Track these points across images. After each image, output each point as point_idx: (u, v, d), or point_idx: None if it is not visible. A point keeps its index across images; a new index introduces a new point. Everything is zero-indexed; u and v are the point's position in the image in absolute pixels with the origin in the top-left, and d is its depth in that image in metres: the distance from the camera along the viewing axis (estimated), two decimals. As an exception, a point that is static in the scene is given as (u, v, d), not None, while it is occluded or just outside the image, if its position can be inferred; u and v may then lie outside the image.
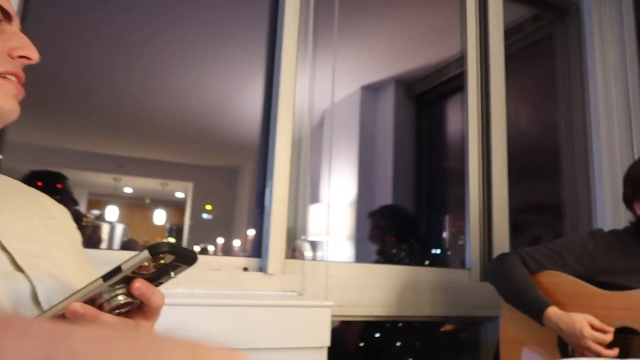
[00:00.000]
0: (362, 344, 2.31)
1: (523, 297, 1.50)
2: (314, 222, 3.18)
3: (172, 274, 0.55)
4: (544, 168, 2.74)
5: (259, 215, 1.74)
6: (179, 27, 3.13)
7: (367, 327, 2.31)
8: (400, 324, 2.30)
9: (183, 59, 3.56)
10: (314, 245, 3.13)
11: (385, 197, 3.30)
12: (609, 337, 1.33)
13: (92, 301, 0.52)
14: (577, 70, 2.49)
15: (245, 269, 1.64)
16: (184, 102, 4.21)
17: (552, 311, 1.41)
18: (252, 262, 1.67)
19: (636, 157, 2.18)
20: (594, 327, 1.35)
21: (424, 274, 1.93)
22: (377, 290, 1.79)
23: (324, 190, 3.21)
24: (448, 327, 2.35)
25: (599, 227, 2.25)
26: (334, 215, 3.43)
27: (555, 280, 1.54)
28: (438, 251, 3.18)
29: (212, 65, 3.59)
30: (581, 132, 2.45)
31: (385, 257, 2.47)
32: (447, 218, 3.17)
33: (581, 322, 1.35)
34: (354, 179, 3.45)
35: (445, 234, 3.14)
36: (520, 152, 2.53)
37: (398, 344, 2.32)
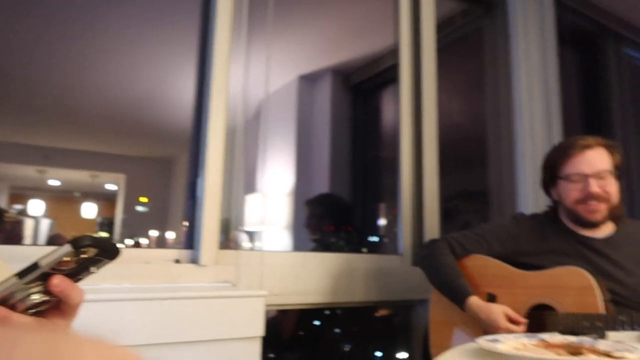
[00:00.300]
0: (301, 332, 2.33)
1: (448, 285, 1.57)
2: (250, 212, 3.16)
3: (93, 269, 0.53)
4: (473, 157, 2.86)
5: (191, 206, 1.70)
6: (107, 12, 2.99)
7: (305, 315, 2.33)
8: (338, 311, 2.34)
9: (112, 46, 3.40)
10: (251, 235, 3.11)
11: (322, 186, 3.33)
12: (521, 329, 1.41)
13: (4, 301, 0.49)
14: (503, 63, 2.61)
15: (177, 261, 1.60)
16: (114, 91, 4.04)
17: (473, 301, 1.49)
18: (184, 253, 1.63)
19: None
20: (509, 318, 1.43)
21: (358, 260, 1.97)
22: (313, 278, 1.81)
23: (261, 180, 3.19)
24: (383, 312, 2.41)
25: (521, 211, 2.39)
26: (271, 205, 3.42)
27: (480, 263, 1.62)
28: (375, 239, 3.24)
29: (143, 52, 3.45)
30: (506, 123, 2.57)
31: (324, 246, 2.50)
32: (382, 206, 3.24)
33: (497, 313, 1.43)
34: (291, 169, 3.45)
35: (381, 222, 3.22)
36: (451, 142, 2.63)
37: (337, 330, 2.36)
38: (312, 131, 3.53)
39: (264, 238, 3.26)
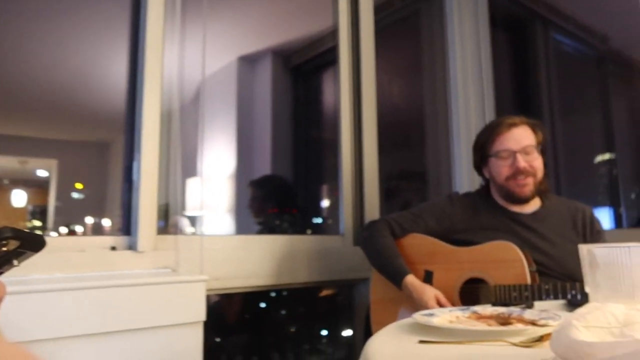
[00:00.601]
0: (247, 316, 2.33)
1: (386, 266, 1.62)
2: (191, 196, 3.10)
3: (15, 262, 0.50)
4: (412, 138, 2.93)
5: (127, 191, 1.65)
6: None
7: (251, 298, 2.33)
8: (284, 293, 2.35)
9: (38, 25, 3.19)
10: (192, 220, 3.05)
11: (264, 168, 3.31)
12: None
13: None
14: (439, 45, 2.67)
15: (114, 248, 1.55)
16: (42, 72, 3.80)
17: (409, 280, 1.55)
18: (121, 240, 1.58)
19: (487, 126, 2.41)
20: (439, 302, 1.49)
21: (301, 242, 1.99)
22: (255, 261, 1.81)
23: (201, 164, 3.12)
24: (327, 292, 2.45)
25: (457, 190, 2.48)
26: (212, 188, 3.36)
27: (418, 241, 1.68)
28: (319, 220, 3.27)
29: (73, 31, 3.26)
30: (442, 104, 2.65)
31: (268, 229, 2.49)
32: (325, 187, 3.27)
33: (429, 296, 1.49)
34: (232, 151, 3.40)
35: (324, 203, 3.24)
36: (391, 123, 2.67)
37: (283, 312, 2.38)
38: (253, 113, 3.49)
39: (206, 222, 3.21)
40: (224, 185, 3.39)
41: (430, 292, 1.50)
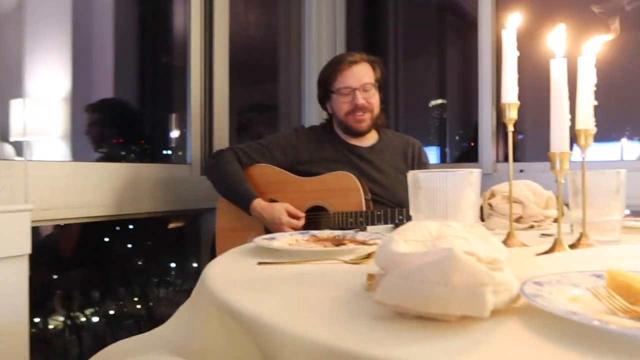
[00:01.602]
0: (87, 249, 2.17)
1: (234, 192, 1.63)
2: (17, 119, 2.72)
3: None
4: (265, 70, 2.89)
5: None
6: None
7: (92, 230, 2.17)
8: (131, 226, 2.23)
9: None
10: (18, 147, 2.70)
11: (105, 91, 3.02)
12: (301, 222, 1.56)
13: None
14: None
15: None
16: None
17: (257, 203, 1.58)
18: None
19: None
20: (290, 214, 1.56)
21: (145, 170, 1.88)
22: (94, 190, 1.68)
23: (29, 83, 2.73)
24: (175, 224, 2.39)
25: (307, 124, 2.54)
26: (43, 111, 2.98)
27: (264, 171, 1.70)
28: (169, 152, 3.11)
29: None
30: (296, 39, 2.64)
31: (111, 160, 2.31)
32: (174, 117, 3.10)
33: (280, 210, 1.55)
34: (67, 71, 3.02)
35: (174, 134, 3.09)
36: (245, 54, 2.60)
37: (129, 245, 2.27)
38: (92, 29, 3.11)
39: (36, 150, 2.86)
40: (58, 108, 3.03)
41: (280, 207, 1.55)
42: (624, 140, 2.18)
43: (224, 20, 2.15)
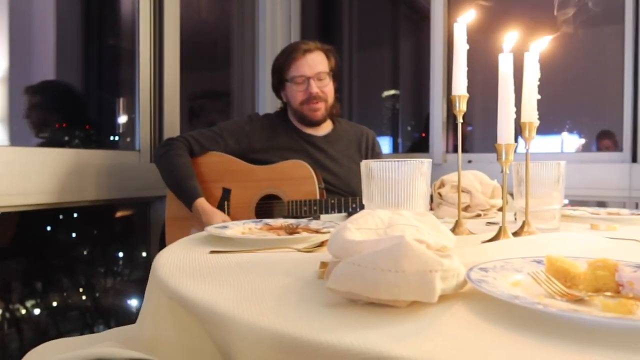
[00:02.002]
0: (29, 238, 2.07)
1: (180, 186, 1.59)
2: (-53, 100, 2.55)
3: None
4: (218, 56, 2.83)
5: None
6: None
7: (33, 219, 2.07)
8: (75, 214, 2.14)
9: None
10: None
11: (46, 73, 2.87)
12: None
13: None
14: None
15: None
16: None
17: (200, 203, 1.54)
18: None
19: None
20: None
21: (91, 157, 1.81)
22: (34, 176, 1.60)
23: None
24: (123, 213, 2.32)
25: (261, 112, 2.52)
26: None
27: (217, 159, 1.68)
28: (116, 138, 3.00)
29: None
30: (250, 25, 2.60)
31: (56, 144, 2.20)
32: (122, 101, 3.00)
33: (217, 220, 1.48)
34: (4, 50, 2.86)
35: (121, 119, 2.98)
36: (197, 38, 2.54)
37: (74, 235, 2.18)
38: (31, 7, 2.94)
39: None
40: (-6, 90, 2.86)
41: (219, 218, 1.51)
42: (564, 133, 2.29)
43: (174, 3, 2.09)
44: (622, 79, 1.96)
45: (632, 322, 0.42)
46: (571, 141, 2.29)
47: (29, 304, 1.92)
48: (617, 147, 2.05)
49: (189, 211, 1.59)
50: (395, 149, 2.81)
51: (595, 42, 2.21)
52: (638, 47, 1.91)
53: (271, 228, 1.05)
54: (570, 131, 2.29)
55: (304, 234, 0.95)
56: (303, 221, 1.09)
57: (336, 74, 1.76)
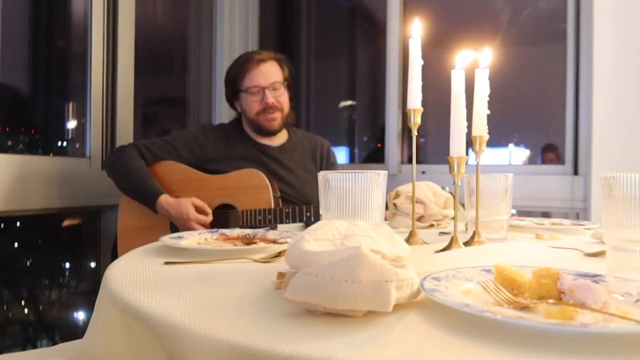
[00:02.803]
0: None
1: (138, 188, 1.55)
2: None
3: None
4: (174, 63, 2.79)
5: None
6: None
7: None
8: (18, 223, 2.04)
9: None
10: None
11: (-11, 75, 2.74)
12: (209, 218, 1.52)
13: None
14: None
15: None
16: None
17: (164, 199, 1.52)
18: None
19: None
20: (197, 208, 1.51)
21: (38, 163, 1.74)
22: (-26, 184, 1.52)
23: None
24: (71, 222, 2.23)
25: (216, 120, 2.49)
26: None
27: (169, 169, 1.65)
28: (64, 143, 2.89)
29: None
30: (208, 32, 2.58)
31: (-3, 149, 2.10)
32: (71, 106, 2.89)
33: (187, 206, 1.49)
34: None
35: (70, 124, 2.88)
36: (153, 43, 2.49)
37: (16, 245, 2.07)
38: (-25, 5, 2.80)
39: None
40: None
41: (187, 202, 1.50)
42: (511, 146, 2.38)
43: (129, 5, 2.04)
44: (565, 95, 2.07)
45: (572, 327, 0.45)
46: (518, 153, 2.39)
47: (-35, 317, 1.82)
48: (560, 160, 2.15)
49: (144, 220, 1.55)
50: (351, 159, 2.84)
51: (540, 60, 2.33)
52: (579, 65, 2.02)
53: (228, 238, 1.04)
54: (517, 144, 2.39)
55: (261, 244, 0.95)
56: (260, 231, 1.09)
57: (290, 83, 1.77)
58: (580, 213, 1.99)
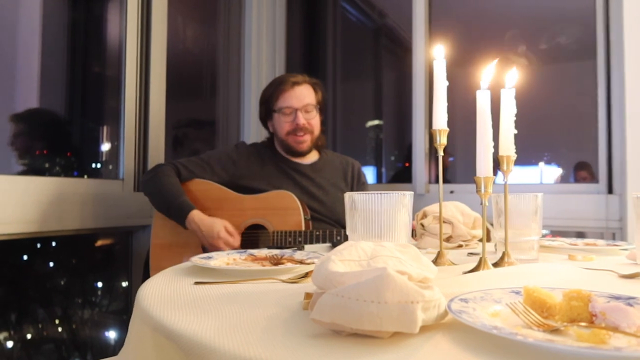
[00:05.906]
0: (3, 268, 2.02)
1: (170, 204, 1.58)
2: None
3: None
4: (203, 86, 2.86)
5: None
6: None
7: (9, 248, 2.03)
8: (54, 243, 2.11)
9: None
10: None
11: (30, 101, 2.86)
12: (237, 242, 1.54)
13: None
14: (236, -4, 2.64)
15: None
16: None
17: (195, 214, 1.54)
18: None
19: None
20: (228, 231, 1.53)
21: (74, 185, 1.80)
22: (13, 205, 1.58)
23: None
24: (103, 242, 2.29)
25: (247, 141, 2.53)
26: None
27: (203, 187, 1.68)
28: (98, 165, 2.98)
29: None
30: (236, 56, 2.64)
31: (34, 172, 2.18)
32: (106, 129, 2.99)
33: (219, 226, 1.52)
34: (-12, 77, 2.84)
35: (104, 147, 2.97)
36: (183, 68, 2.56)
37: (51, 264, 2.13)
38: (16, 35, 2.95)
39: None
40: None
41: (219, 222, 1.52)
42: (542, 164, 2.34)
43: (162, 31, 2.12)
44: (597, 112, 2.03)
45: (604, 351, 0.44)
46: (550, 172, 2.34)
47: (1, 336, 1.87)
48: (593, 178, 2.10)
49: (177, 238, 1.58)
50: (379, 179, 2.84)
51: (570, 76, 2.30)
52: (610, 81, 1.98)
53: (255, 259, 1.06)
54: (549, 162, 2.35)
55: (289, 265, 0.96)
56: (287, 252, 1.10)
57: (322, 108, 1.80)
58: (616, 233, 1.93)
